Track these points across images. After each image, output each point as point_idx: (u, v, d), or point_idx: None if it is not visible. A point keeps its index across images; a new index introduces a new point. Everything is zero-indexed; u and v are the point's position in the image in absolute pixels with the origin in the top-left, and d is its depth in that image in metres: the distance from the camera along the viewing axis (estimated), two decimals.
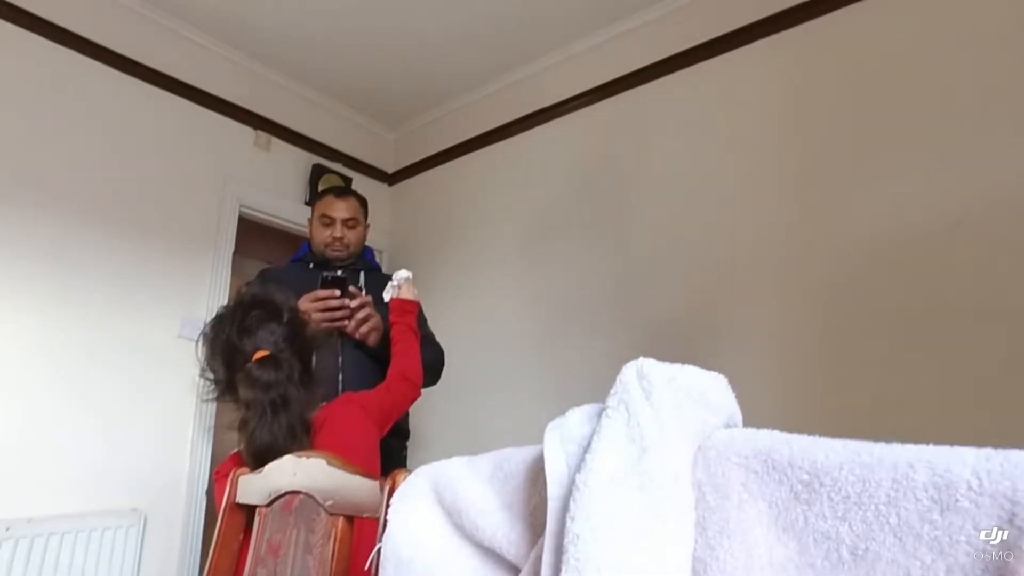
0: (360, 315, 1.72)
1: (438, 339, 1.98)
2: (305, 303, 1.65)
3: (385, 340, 1.71)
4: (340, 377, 1.74)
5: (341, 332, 1.73)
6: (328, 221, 1.89)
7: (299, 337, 1.26)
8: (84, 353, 2.26)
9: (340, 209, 1.90)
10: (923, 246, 1.81)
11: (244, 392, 1.16)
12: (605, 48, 2.72)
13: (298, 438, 1.16)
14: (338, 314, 1.68)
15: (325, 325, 1.65)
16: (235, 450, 1.24)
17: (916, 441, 0.46)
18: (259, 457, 1.13)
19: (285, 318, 1.25)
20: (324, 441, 1.22)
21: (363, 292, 1.81)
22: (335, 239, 1.88)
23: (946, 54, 1.88)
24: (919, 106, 1.89)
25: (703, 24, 2.42)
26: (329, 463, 0.95)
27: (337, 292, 1.69)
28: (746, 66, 2.30)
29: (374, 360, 1.77)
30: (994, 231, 1.71)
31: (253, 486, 1.12)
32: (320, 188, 3.03)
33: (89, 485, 2.20)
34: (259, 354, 1.18)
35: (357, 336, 1.72)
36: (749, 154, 2.22)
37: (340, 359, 1.75)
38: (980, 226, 1.73)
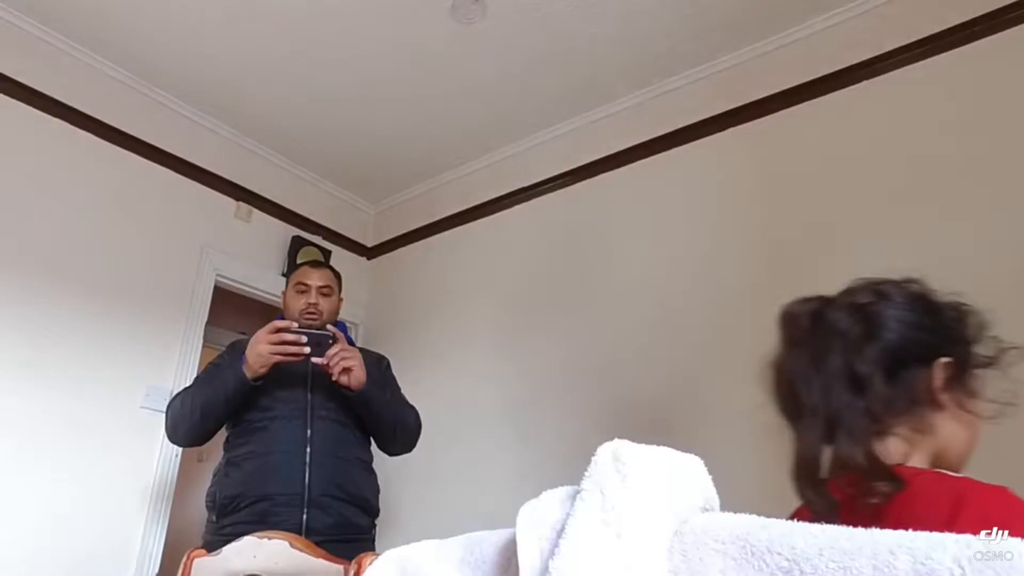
0: (339, 356, 1.69)
1: None
2: (264, 336, 1.64)
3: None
4: (308, 446, 1.71)
5: (311, 407, 1.71)
6: (303, 288, 1.90)
7: None
8: (36, 422, 2.15)
9: (315, 277, 1.92)
10: None
11: None
12: (583, 132, 2.82)
13: None
14: (291, 349, 1.66)
15: (277, 359, 1.64)
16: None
17: None
18: None
19: None
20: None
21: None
22: (309, 304, 1.88)
23: (902, 141, 1.99)
24: (880, 191, 1.98)
25: (675, 113, 2.53)
26: (292, 545, 0.91)
27: (304, 339, 1.67)
28: (715, 153, 2.40)
29: (345, 426, 1.78)
30: None
31: (209, 569, 1.06)
32: (299, 260, 3.03)
33: (21, 566, 2.05)
34: None
35: (335, 375, 1.69)
36: (720, 237, 2.29)
37: (308, 430, 1.73)
38: None
